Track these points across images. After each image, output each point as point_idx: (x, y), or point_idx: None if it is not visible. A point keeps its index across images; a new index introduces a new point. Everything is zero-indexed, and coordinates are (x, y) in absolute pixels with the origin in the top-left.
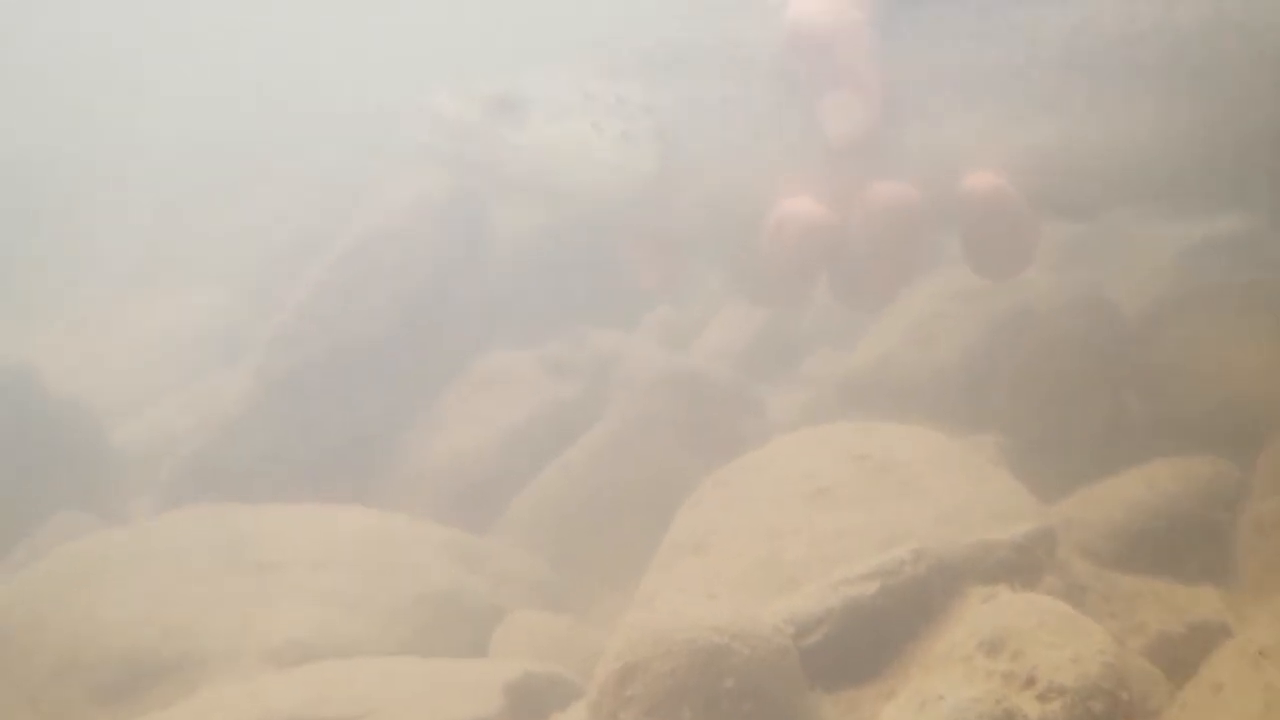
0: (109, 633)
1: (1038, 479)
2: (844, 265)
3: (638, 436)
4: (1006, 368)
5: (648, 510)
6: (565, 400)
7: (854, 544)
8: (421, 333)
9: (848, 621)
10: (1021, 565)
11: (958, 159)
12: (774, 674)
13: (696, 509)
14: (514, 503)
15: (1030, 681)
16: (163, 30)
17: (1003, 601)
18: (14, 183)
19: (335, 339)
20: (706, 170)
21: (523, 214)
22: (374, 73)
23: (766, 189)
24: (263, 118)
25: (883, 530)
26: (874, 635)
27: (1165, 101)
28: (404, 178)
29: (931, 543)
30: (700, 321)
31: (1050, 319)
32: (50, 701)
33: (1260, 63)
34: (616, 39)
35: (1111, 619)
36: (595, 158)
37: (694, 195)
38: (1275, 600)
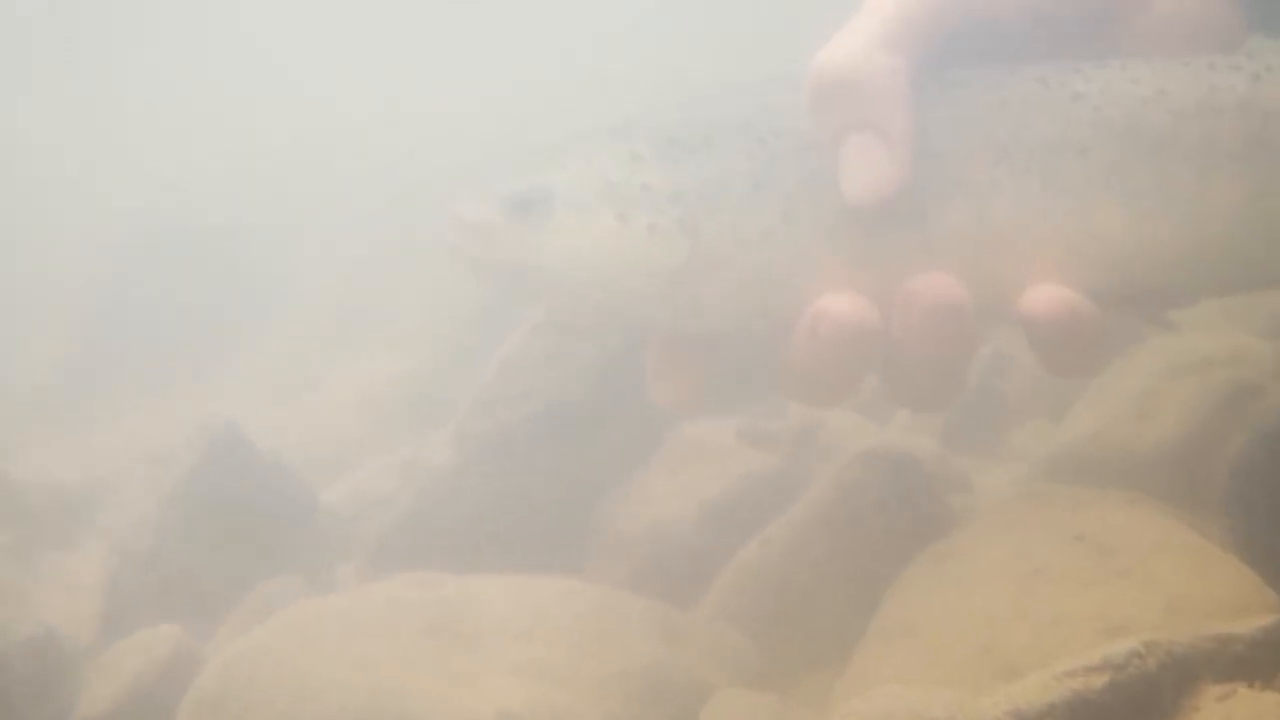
0: (322, 695)
1: (1268, 566)
2: (891, 367)
3: (841, 513)
4: (1229, 446)
5: (852, 588)
6: (765, 473)
7: (1074, 632)
8: (620, 400)
9: (1072, 717)
10: (1261, 661)
11: (1009, 243)
12: None
13: (907, 589)
14: (717, 578)
15: None
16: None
17: (1241, 700)
18: (220, 251)
19: (534, 404)
20: (736, 259)
21: None
22: None
23: (801, 278)
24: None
25: (1105, 618)
26: None
27: (1248, 182)
28: None
29: (1162, 634)
30: None
31: (1276, 396)
32: None
33: None
34: (638, 118)
35: None
36: (621, 252)
37: (723, 287)
38: None
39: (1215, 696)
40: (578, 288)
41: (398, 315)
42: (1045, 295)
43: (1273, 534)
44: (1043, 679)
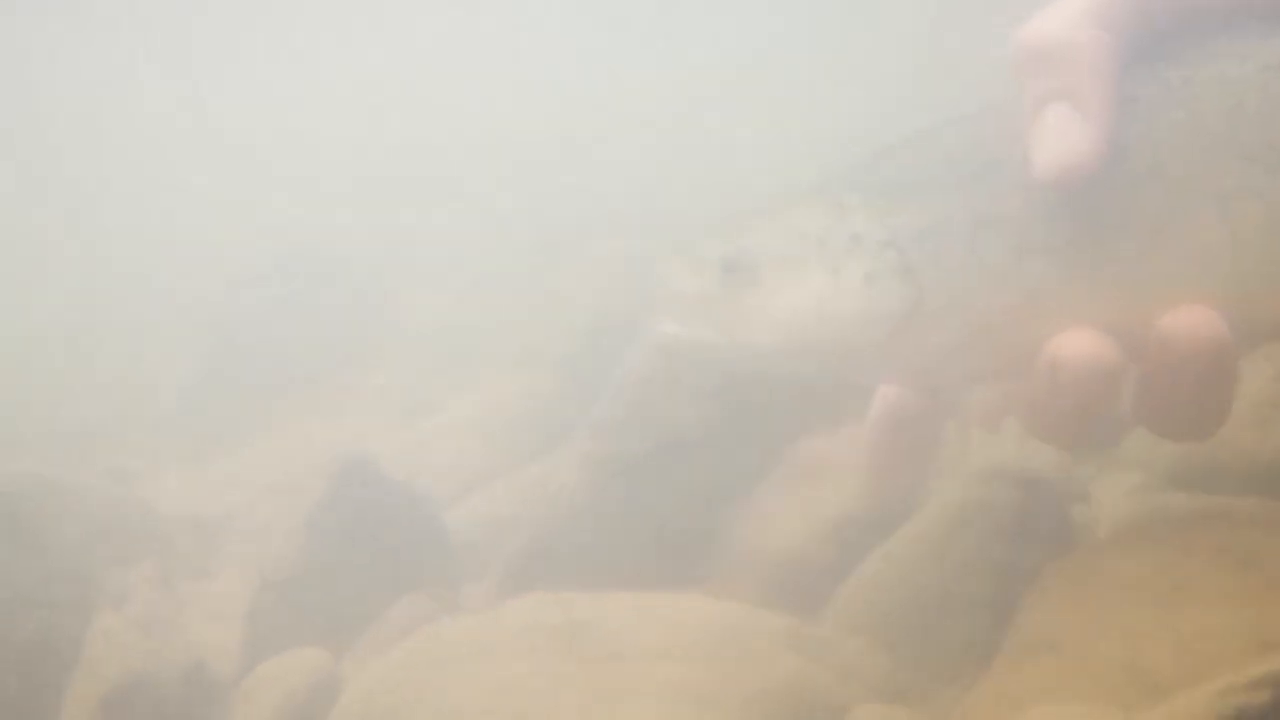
0: (459, 719)
1: None
2: (1145, 405)
3: (963, 527)
4: None
5: (976, 602)
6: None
7: (1223, 646)
8: (740, 417)
9: None
10: None
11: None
12: None
13: (1044, 605)
14: (838, 593)
15: None
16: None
17: None
18: (337, 277)
19: (659, 425)
20: (964, 303)
21: None
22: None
23: (1038, 318)
24: (546, 198)
25: (1255, 633)
26: None
27: None
28: None
29: None
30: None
31: None
32: None
33: None
34: (838, 172)
35: None
36: (839, 307)
37: (952, 335)
38: None
39: None
40: (794, 353)
41: (511, 338)
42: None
43: None
44: (1203, 696)
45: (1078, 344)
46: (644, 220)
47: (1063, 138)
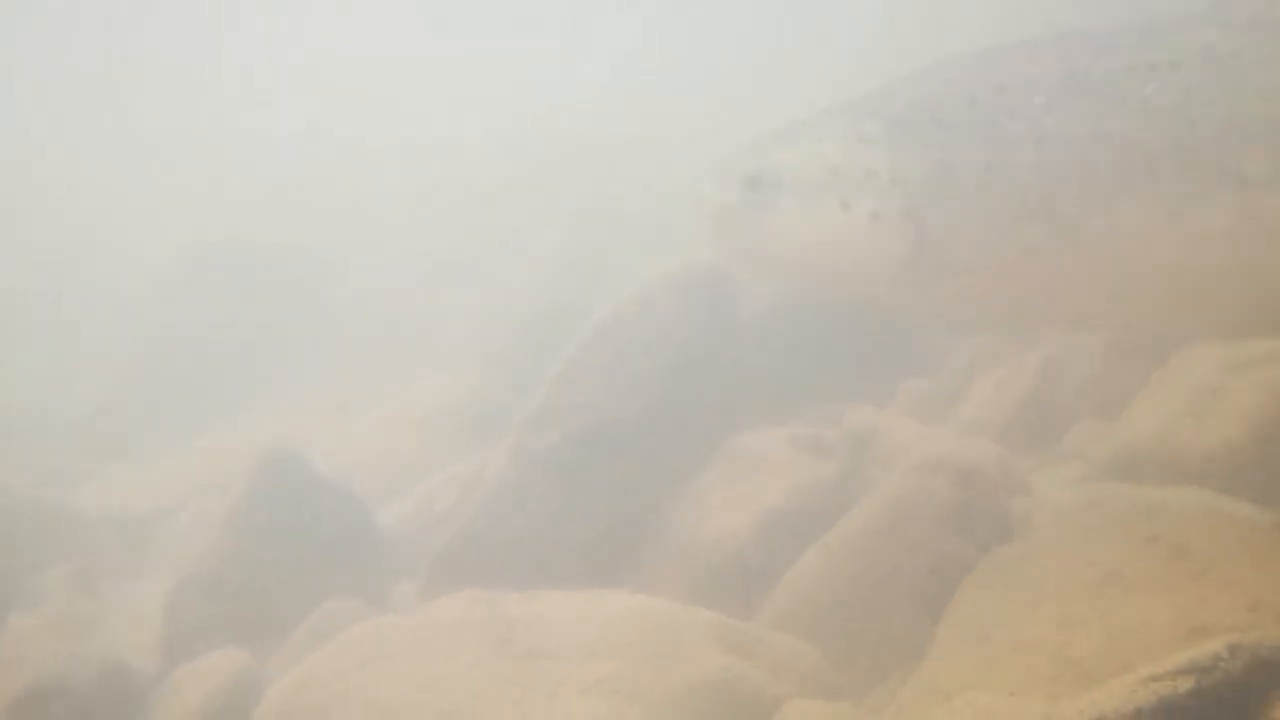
0: (389, 716)
1: None
2: None
3: (901, 520)
4: None
5: (912, 596)
6: (822, 480)
7: (1152, 636)
8: (674, 411)
9: None
10: None
11: None
12: None
13: (976, 596)
14: (777, 587)
15: None
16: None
17: None
18: (268, 274)
19: (590, 418)
20: (966, 256)
21: (767, 290)
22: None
23: (1049, 280)
24: (495, 199)
25: (1184, 621)
26: None
27: None
28: (650, 258)
29: (1247, 636)
30: (954, 394)
31: None
32: None
33: None
34: (872, 94)
35: None
36: (844, 241)
37: (960, 291)
38: None
39: None
40: (807, 273)
41: (446, 334)
42: None
43: None
44: (1127, 684)
45: None
46: (607, 217)
47: None
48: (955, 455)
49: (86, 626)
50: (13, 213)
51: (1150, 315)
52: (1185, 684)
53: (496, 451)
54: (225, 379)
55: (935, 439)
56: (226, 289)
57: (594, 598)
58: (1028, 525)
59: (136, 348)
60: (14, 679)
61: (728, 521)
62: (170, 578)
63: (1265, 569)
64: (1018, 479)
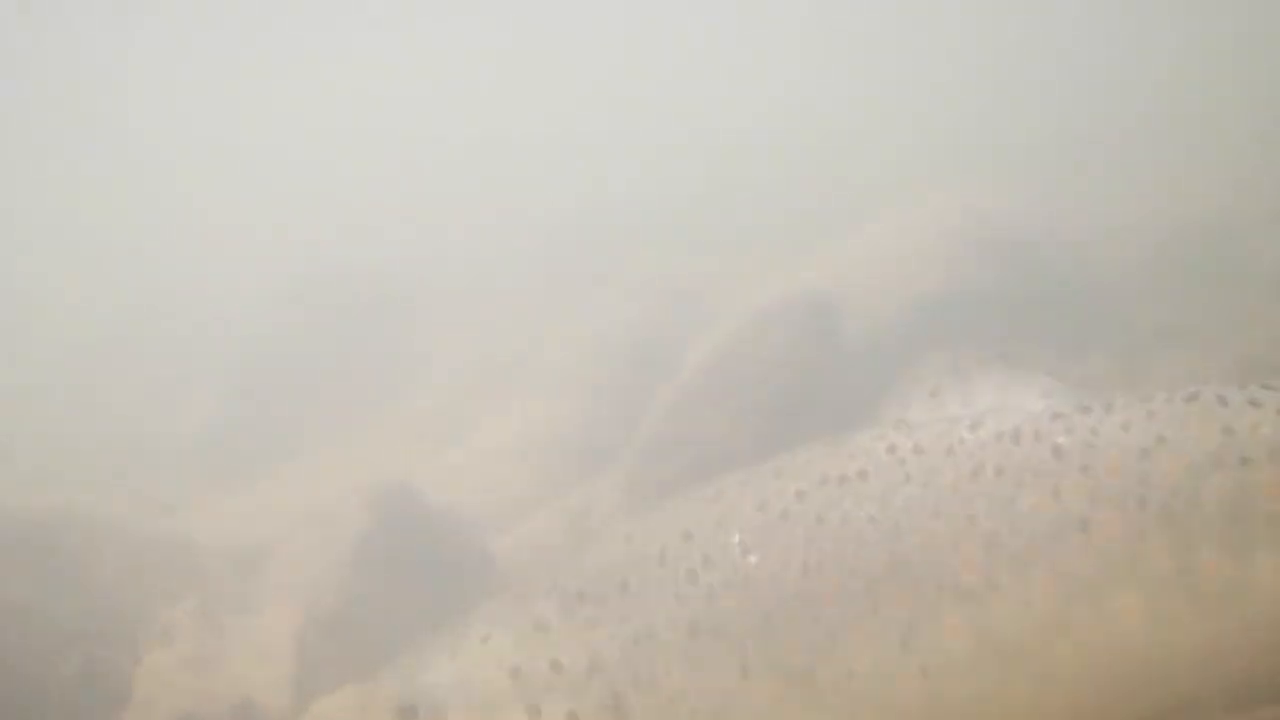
0: None
1: None
2: None
3: None
4: None
5: None
6: None
7: None
8: (785, 439)
9: None
10: None
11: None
12: None
13: None
14: None
15: None
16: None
17: None
18: (369, 305)
19: (702, 450)
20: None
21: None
22: None
23: None
24: (589, 224)
25: None
26: None
27: None
28: (745, 284)
29: None
30: None
31: None
32: None
33: None
34: (544, 571)
35: None
36: None
37: None
38: None
39: None
40: None
41: (542, 362)
42: None
43: None
44: None
45: None
46: (689, 241)
47: None
48: None
49: (215, 663)
50: (112, 238)
51: None
52: None
53: (607, 483)
54: (321, 409)
55: None
56: (323, 317)
57: None
58: None
59: (236, 378)
60: (155, 717)
61: None
62: (292, 614)
63: None
64: None
